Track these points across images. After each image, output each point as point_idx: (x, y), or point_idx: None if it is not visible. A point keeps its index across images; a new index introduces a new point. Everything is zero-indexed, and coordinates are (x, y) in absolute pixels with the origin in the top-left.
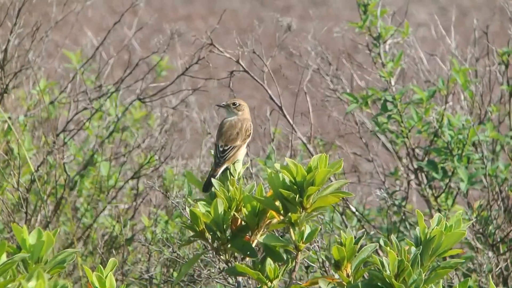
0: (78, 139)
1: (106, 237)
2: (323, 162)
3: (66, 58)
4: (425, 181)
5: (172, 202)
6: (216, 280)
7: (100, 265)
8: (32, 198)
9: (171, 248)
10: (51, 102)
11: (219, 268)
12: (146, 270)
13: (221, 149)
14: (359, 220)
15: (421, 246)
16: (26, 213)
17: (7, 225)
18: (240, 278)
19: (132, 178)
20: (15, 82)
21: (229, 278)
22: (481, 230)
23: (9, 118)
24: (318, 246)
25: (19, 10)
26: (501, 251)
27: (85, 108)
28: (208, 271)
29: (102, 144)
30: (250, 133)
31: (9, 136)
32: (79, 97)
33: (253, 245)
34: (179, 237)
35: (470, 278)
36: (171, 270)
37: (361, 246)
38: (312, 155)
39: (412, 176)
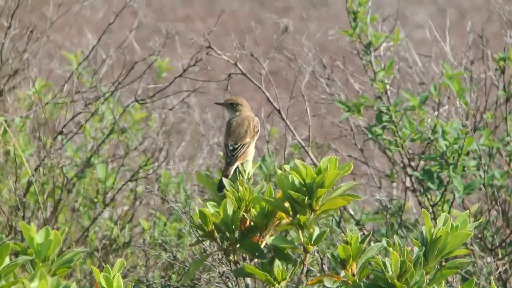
0: (79, 140)
1: (104, 240)
2: (332, 164)
3: (67, 59)
4: (420, 188)
5: (171, 207)
6: (216, 284)
7: (108, 266)
8: (31, 199)
9: (169, 252)
10: (46, 103)
11: (219, 272)
12: (145, 275)
13: (231, 148)
14: (357, 223)
15: (424, 247)
16: (23, 216)
17: (5, 227)
18: (248, 280)
19: (129, 180)
20: (10, 85)
21: (229, 282)
22: (479, 235)
23: (5, 120)
24: (317, 250)
25: (13, 12)
26: (500, 256)
27: (80, 112)
28: (208, 275)
29: (99, 146)
30: (258, 129)
31: (6, 138)
32: (76, 97)
33: (262, 246)
34: (177, 241)
35: (473, 279)
36: (170, 273)
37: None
38: (310, 158)
39: (408, 183)
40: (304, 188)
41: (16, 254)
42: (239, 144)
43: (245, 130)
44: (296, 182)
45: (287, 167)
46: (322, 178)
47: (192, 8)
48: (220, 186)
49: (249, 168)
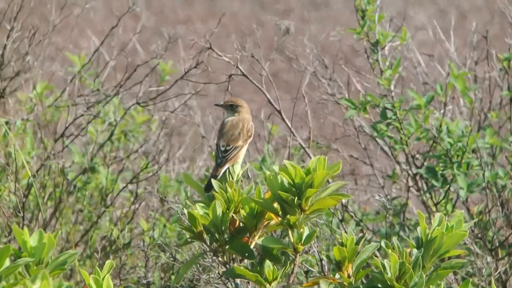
0: (80, 143)
1: (104, 242)
2: (321, 164)
3: (68, 61)
4: (424, 187)
5: (171, 207)
6: (215, 285)
7: (97, 268)
8: (33, 201)
9: (168, 253)
10: (49, 106)
11: (219, 273)
12: (144, 276)
13: (222, 149)
14: (357, 224)
15: (422, 248)
16: (23, 218)
17: (4, 230)
18: (238, 281)
19: (130, 183)
20: (12, 87)
21: (228, 282)
22: (479, 235)
23: (7, 123)
24: (317, 251)
25: (16, 14)
26: (500, 256)
27: (82, 115)
28: (207, 276)
29: (100, 149)
30: (252, 133)
31: (7, 141)
32: (78, 100)
33: (252, 247)
34: (176, 242)
35: (469, 280)
36: (169, 274)
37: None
38: (310, 159)
39: (411, 182)
40: (293, 188)
41: (15, 258)
42: (231, 146)
43: (239, 133)
44: (285, 182)
45: (276, 167)
46: (311, 178)
47: (193, 9)
48: (207, 187)
49: (238, 170)
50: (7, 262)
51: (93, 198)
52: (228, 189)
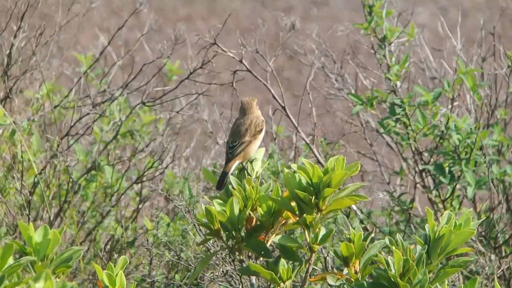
0: (87, 143)
1: (108, 240)
2: (340, 164)
3: (70, 60)
4: (431, 183)
5: (175, 205)
6: (219, 283)
7: (111, 263)
8: (38, 201)
9: (173, 251)
10: (55, 107)
11: (223, 271)
12: (148, 274)
13: (230, 145)
14: (361, 221)
15: (426, 246)
16: (28, 216)
17: (10, 227)
18: (254, 280)
19: (135, 182)
20: (18, 86)
21: (232, 281)
22: (483, 233)
23: (14, 122)
24: (321, 249)
25: (23, 15)
26: (504, 254)
27: (87, 114)
28: (212, 274)
29: (105, 148)
30: (261, 129)
31: (14, 140)
32: (83, 101)
33: (268, 245)
34: (181, 241)
35: (477, 277)
36: (173, 273)
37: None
38: (315, 156)
39: (418, 179)
40: (311, 188)
41: (21, 254)
42: (237, 142)
43: (246, 129)
44: (303, 181)
45: (294, 166)
46: (329, 178)
47: (193, 7)
48: (219, 184)
49: (258, 167)
50: (10, 261)
51: (98, 197)
52: (246, 186)
